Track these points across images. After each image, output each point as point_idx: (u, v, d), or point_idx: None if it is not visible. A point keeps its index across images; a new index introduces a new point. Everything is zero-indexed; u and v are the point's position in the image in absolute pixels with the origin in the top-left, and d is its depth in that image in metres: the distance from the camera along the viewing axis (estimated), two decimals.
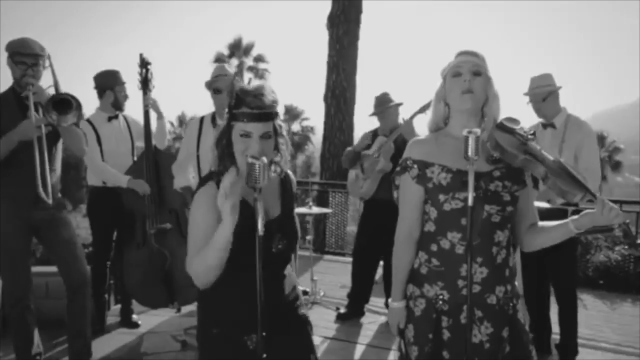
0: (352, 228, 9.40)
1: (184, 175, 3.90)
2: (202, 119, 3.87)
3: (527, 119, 3.42)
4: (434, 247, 1.93)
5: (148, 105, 4.02)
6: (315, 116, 8.40)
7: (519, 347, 1.89)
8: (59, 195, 3.40)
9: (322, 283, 5.52)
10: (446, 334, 1.90)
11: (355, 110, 8.94)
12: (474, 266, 1.85)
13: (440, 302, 1.91)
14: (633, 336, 4.38)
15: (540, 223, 1.96)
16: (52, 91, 3.23)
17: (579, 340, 3.85)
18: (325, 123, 8.96)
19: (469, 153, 1.69)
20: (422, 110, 4.03)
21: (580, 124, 3.61)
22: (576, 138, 3.56)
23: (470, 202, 1.70)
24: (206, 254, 1.71)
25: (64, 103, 3.09)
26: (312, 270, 5.17)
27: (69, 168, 3.36)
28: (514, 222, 1.94)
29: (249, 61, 41.97)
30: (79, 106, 3.11)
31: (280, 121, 1.84)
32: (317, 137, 9.35)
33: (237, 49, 41.65)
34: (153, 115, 4.20)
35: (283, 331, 1.87)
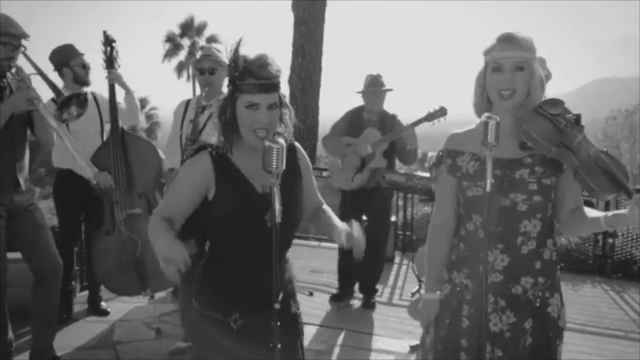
0: None
1: (175, 156, 3.75)
2: (188, 101, 3.74)
3: None
4: (462, 231, 1.94)
5: (112, 80, 3.82)
6: None
7: (541, 340, 1.86)
8: (27, 178, 3.23)
9: (293, 268, 5.45)
10: (465, 322, 1.90)
11: (321, 94, 8.88)
12: (494, 253, 1.83)
13: (464, 291, 1.90)
14: (596, 316, 4.55)
15: (584, 210, 1.86)
16: (35, 77, 3.05)
17: None
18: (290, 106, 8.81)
19: (489, 139, 1.67)
20: (428, 118, 4.11)
21: None
22: None
23: (487, 188, 1.69)
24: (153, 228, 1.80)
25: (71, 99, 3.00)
26: None
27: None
28: (554, 207, 1.89)
29: (201, 41, 41.18)
30: (80, 101, 3.04)
31: (282, 92, 1.80)
32: None
33: (189, 28, 40.82)
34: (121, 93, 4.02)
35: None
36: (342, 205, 4.70)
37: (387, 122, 4.43)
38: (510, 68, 1.80)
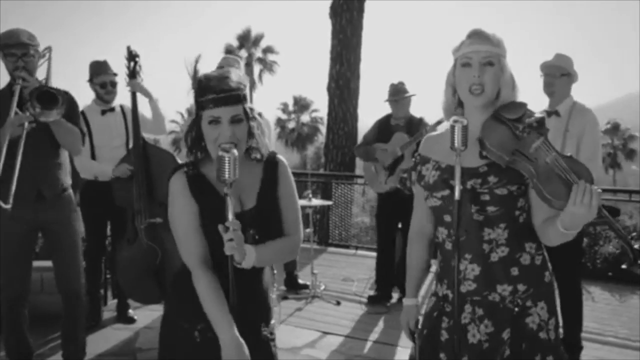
0: (362, 219, 9.28)
1: None
2: None
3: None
4: (437, 240, 1.89)
5: (133, 88, 3.88)
6: (324, 107, 8.45)
7: (518, 352, 1.74)
8: (67, 191, 3.26)
9: (324, 276, 5.44)
10: (444, 335, 1.83)
11: (360, 101, 8.83)
12: (464, 263, 1.76)
13: (445, 303, 1.84)
14: None
15: (556, 218, 1.68)
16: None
17: (586, 335, 3.75)
18: (329, 114, 8.85)
19: (455, 144, 1.59)
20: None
21: (584, 112, 3.48)
22: (578, 127, 3.44)
23: (457, 195, 1.61)
24: (203, 300, 1.70)
25: (51, 97, 2.93)
26: (312, 263, 5.07)
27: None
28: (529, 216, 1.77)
29: (257, 52, 41.96)
30: (65, 102, 2.95)
31: (250, 105, 1.75)
32: None
33: (246, 40, 41.60)
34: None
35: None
36: (379, 209, 4.99)
37: (414, 125, 4.61)
38: (479, 62, 1.71)
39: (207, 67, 1.80)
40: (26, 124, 2.92)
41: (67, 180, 3.30)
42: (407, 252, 2.02)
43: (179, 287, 1.86)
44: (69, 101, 3.07)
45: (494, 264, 1.74)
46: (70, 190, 3.31)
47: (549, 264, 1.83)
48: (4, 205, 2.79)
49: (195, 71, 1.72)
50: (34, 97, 2.89)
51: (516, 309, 1.75)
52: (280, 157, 1.88)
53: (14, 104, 2.94)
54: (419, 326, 1.96)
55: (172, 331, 1.82)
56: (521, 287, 1.75)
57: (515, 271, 1.75)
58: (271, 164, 1.85)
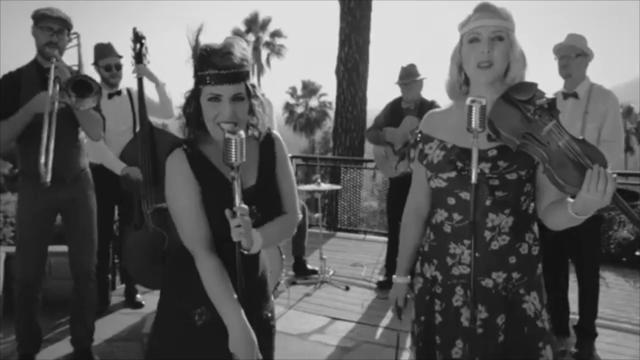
0: (370, 203, 9.24)
1: None
2: None
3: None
4: (433, 220, 1.81)
5: (140, 74, 3.84)
6: (333, 91, 8.35)
7: (515, 337, 1.69)
8: (84, 171, 3.26)
9: (332, 261, 5.39)
10: (438, 318, 1.79)
11: (369, 84, 8.73)
12: (461, 247, 1.70)
13: (435, 285, 1.79)
14: None
15: (566, 202, 1.61)
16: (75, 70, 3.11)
17: (600, 321, 3.68)
18: (337, 97, 8.76)
19: (473, 124, 1.51)
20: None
21: (605, 94, 3.38)
22: (600, 108, 3.34)
23: (474, 179, 1.54)
24: (208, 285, 1.63)
25: (84, 85, 2.91)
26: (321, 248, 5.02)
27: None
28: (535, 198, 1.72)
29: (265, 36, 41.74)
30: (99, 91, 2.94)
31: (253, 81, 1.67)
32: None
33: (254, 24, 41.38)
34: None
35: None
36: (389, 194, 4.91)
37: (425, 109, 4.42)
38: (488, 37, 1.63)
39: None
40: (56, 103, 2.91)
41: (85, 161, 3.30)
42: (401, 229, 1.96)
43: (176, 269, 1.80)
44: None
45: (493, 252, 1.69)
46: (88, 170, 3.31)
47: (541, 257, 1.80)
48: (43, 178, 2.79)
49: (197, 42, 1.62)
50: (69, 86, 2.87)
51: (510, 296, 1.71)
52: (276, 132, 1.82)
53: (51, 81, 2.91)
54: (414, 308, 1.91)
55: (170, 315, 1.75)
56: (515, 275, 1.71)
57: (512, 259, 1.70)
58: (268, 140, 1.79)
